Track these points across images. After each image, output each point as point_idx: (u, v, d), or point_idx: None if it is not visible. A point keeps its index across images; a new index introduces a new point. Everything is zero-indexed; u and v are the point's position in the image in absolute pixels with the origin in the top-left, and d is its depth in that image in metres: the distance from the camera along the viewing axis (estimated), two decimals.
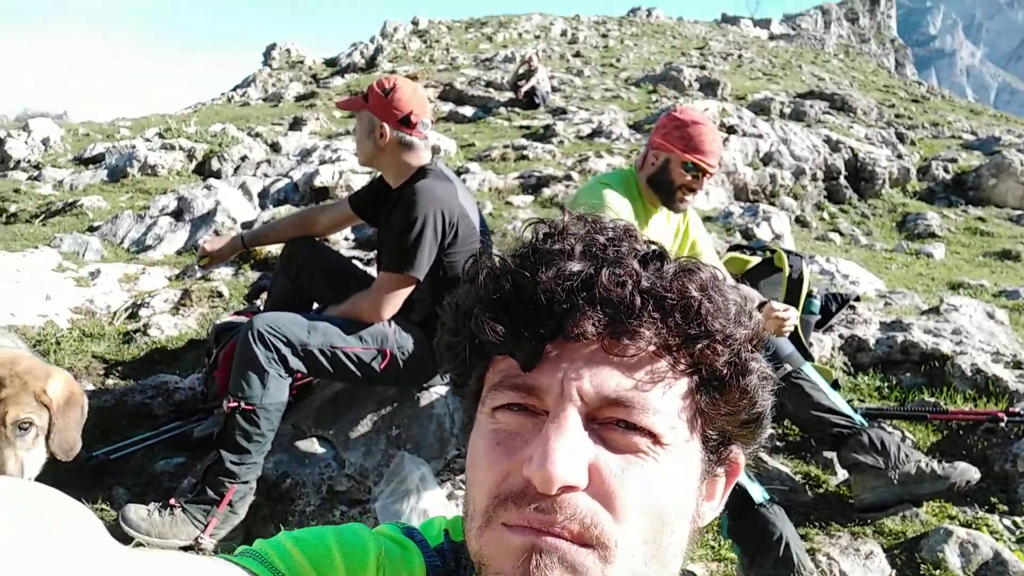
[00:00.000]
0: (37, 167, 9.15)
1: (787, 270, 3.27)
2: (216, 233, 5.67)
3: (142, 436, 3.01)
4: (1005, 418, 2.89)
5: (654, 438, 0.57)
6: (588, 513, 0.54)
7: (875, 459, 2.60)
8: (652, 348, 0.58)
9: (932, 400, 3.22)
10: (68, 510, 0.43)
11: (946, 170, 11.23)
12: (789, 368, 2.72)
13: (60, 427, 1.89)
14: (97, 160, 8.81)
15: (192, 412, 3.17)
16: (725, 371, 0.60)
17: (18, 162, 9.88)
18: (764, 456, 2.93)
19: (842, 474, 2.84)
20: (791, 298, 3.25)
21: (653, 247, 0.62)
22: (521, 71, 14.64)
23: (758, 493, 2.24)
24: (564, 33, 26.73)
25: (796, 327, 3.21)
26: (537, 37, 25.56)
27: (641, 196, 2.78)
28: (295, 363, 2.46)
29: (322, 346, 2.48)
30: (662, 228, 2.89)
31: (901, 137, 13.06)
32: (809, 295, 3.31)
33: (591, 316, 0.57)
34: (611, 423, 0.57)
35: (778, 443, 3.09)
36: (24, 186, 8.05)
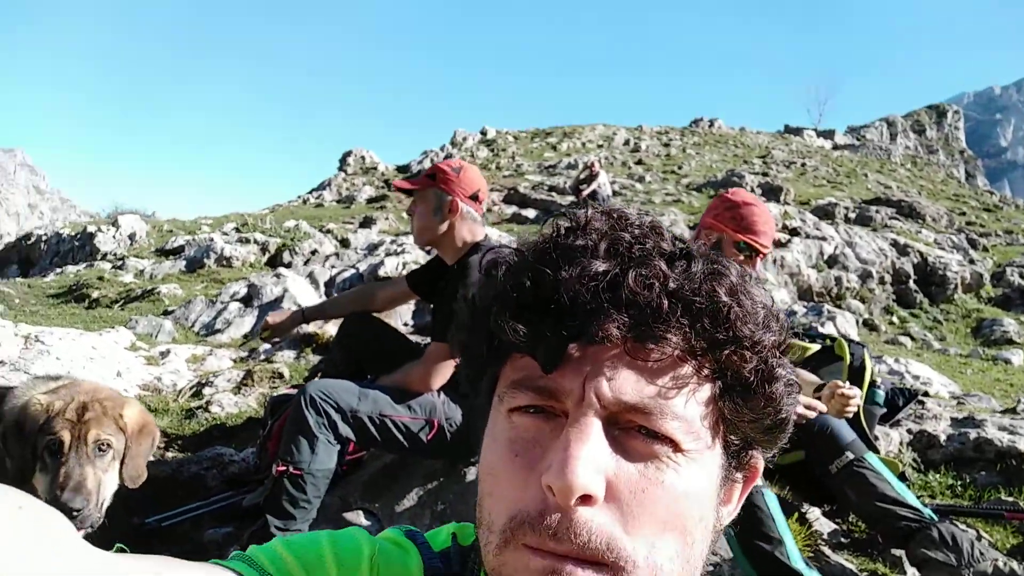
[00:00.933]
0: (121, 258, 9.69)
1: (848, 358, 3.18)
2: None
3: (194, 506, 3.04)
4: None
5: (675, 445, 0.56)
6: (604, 535, 0.53)
7: (947, 556, 2.43)
8: (677, 353, 0.56)
9: (1010, 500, 3.01)
10: (53, 513, 0.45)
11: (1022, 276, 10.87)
12: (851, 456, 2.60)
13: (133, 452, 2.01)
14: (177, 252, 9.30)
15: (244, 483, 3.20)
16: (751, 378, 0.58)
17: (105, 254, 10.50)
18: (827, 551, 2.76)
19: (911, 573, 2.65)
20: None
21: (680, 245, 0.61)
22: (583, 175, 15.04)
23: None
24: (627, 142, 27.44)
25: (860, 417, 3.10)
26: (600, 146, 26.28)
27: None
28: (345, 430, 2.48)
29: (371, 413, 2.50)
30: None
31: (973, 243, 12.78)
32: (872, 384, 3.19)
33: (616, 319, 0.55)
34: (632, 429, 0.56)
35: (843, 539, 2.92)
36: (108, 274, 8.52)
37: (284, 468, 2.43)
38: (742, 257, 2.70)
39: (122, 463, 1.99)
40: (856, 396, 2.49)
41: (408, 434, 2.56)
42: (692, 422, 0.57)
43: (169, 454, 3.76)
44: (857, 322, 8.74)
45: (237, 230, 9.92)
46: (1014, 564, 2.41)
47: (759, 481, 2.21)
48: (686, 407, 0.56)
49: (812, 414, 2.46)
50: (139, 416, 2.05)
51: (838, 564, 2.68)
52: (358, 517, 2.76)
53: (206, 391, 4.64)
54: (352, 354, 3.02)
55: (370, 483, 2.90)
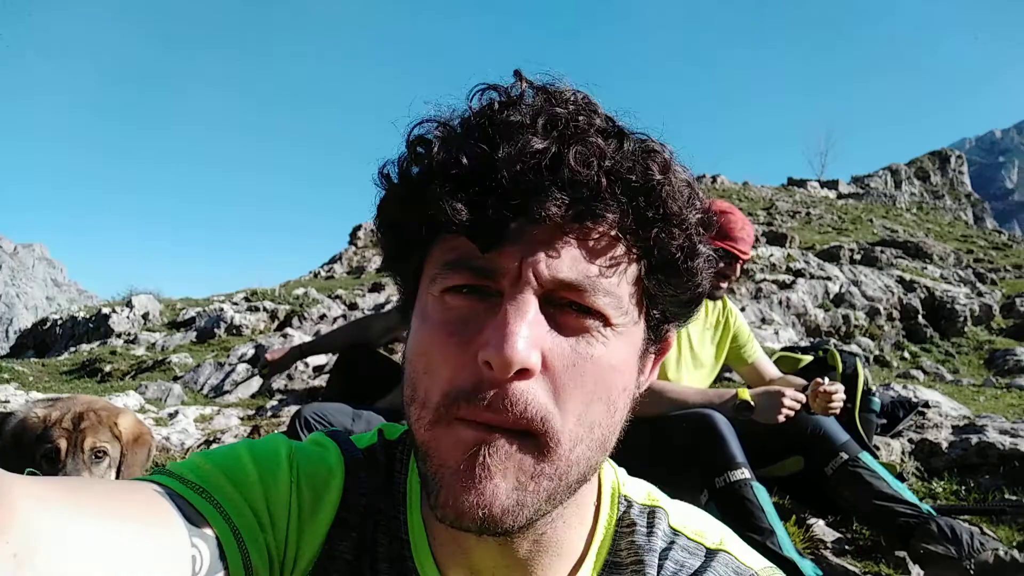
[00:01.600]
0: (134, 335, 9.84)
1: (840, 367, 3.20)
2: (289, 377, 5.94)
3: None
4: None
5: (605, 320, 0.58)
6: (539, 407, 0.55)
7: (947, 548, 2.41)
8: (612, 231, 0.57)
9: (1015, 498, 2.99)
10: None
11: None
12: (846, 456, 2.61)
13: (129, 461, 2.05)
14: (188, 323, 9.44)
15: None
16: (677, 255, 0.60)
17: (120, 334, 10.66)
18: (829, 555, 2.74)
19: (916, 572, 2.62)
20: (847, 395, 3.16)
21: (611, 122, 0.60)
22: None
23: (809, 568, 2.11)
24: None
25: (856, 424, 3.10)
26: None
27: None
28: None
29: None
30: (700, 318, 2.93)
31: (981, 277, 12.75)
32: (868, 392, 3.21)
33: (557, 198, 0.55)
34: (565, 305, 0.57)
35: (847, 546, 2.89)
36: (120, 349, 8.65)
37: None
38: (722, 264, 2.76)
39: (119, 472, 2.03)
40: (839, 391, 2.51)
41: None
42: (622, 298, 0.59)
43: None
44: (868, 359, 8.69)
45: (247, 299, 10.07)
46: (1015, 553, 2.38)
47: (747, 474, 2.23)
48: (617, 284, 0.58)
49: (797, 405, 2.48)
50: (134, 425, 2.10)
51: (840, 566, 2.66)
52: None
53: (213, 447, 4.68)
54: (350, 385, 3.08)
55: None
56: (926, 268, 12.58)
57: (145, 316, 11.49)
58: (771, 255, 11.38)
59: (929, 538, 2.44)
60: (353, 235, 25.67)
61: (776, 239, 15.78)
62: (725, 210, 2.79)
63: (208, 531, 0.57)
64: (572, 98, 0.60)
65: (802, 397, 2.50)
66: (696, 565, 0.70)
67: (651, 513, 0.74)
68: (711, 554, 0.71)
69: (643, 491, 0.77)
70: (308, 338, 6.72)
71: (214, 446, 4.69)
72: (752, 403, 2.49)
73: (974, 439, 3.43)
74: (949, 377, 8.50)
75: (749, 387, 2.77)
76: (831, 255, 13.18)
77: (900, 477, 3.03)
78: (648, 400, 2.53)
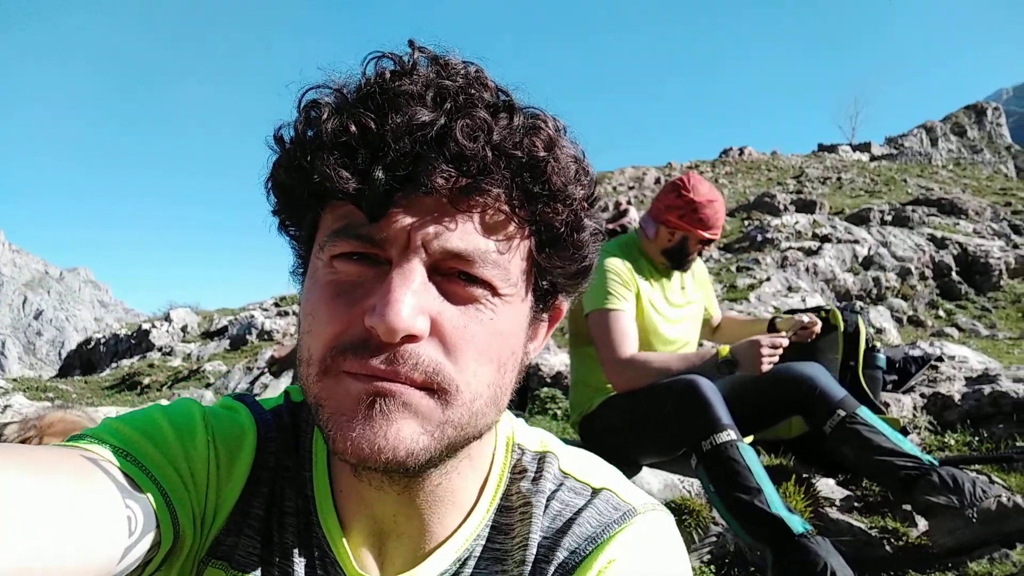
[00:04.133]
0: (171, 347, 10.10)
1: (842, 325, 3.18)
2: None
3: None
4: None
5: (493, 290, 0.60)
6: (431, 362, 0.57)
7: (949, 498, 2.39)
8: (498, 204, 0.59)
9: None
10: None
11: None
12: (843, 413, 2.59)
13: None
14: (221, 332, 9.66)
15: None
16: (562, 229, 0.62)
17: (160, 347, 10.94)
18: (832, 511, 2.73)
19: (924, 525, 2.60)
20: (849, 354, 3.14)
21: (502, 96, 0.62)
22: (612, 215, 15.15)
23: (797, 523, 2.11)
24: (658, 181, 27.51)
25: (860, 381, 3.08)
26: (631, 188, 26.41)
27: (644, 256, 2.87)
28: None
29: None
30: (675, 280, 2.95)
31: (1016, 229, 12.40)
32: (871, 349, 3.18)
33: (443, 170, 0.56)
34: (453, 274, 0.59)
35: (856, 503, 2.88)
36: (157, 361, 8.90)
37: None
38: (702, 246, 2.81)
39: None
40: (777, 345, 2.49)
41: None
42: (510, 270, 0.61)
43: None
44: (901, 320, 8.53)
45: (276, 304, 10.26)
46: (1018, 498, 2.35)
47: (733, 436, 2.25)
48: (504, 256, 0.60)
49: (778, 351, 2.48)
50: None
51: (844, 522, 2.66)
52: None
53: (125, 412, 4.81)
54: None
55: None
56: (958, 224, 12.28)
57: (184, 329, 11.78)
58: (796, 222, 11.21)
59: (931, 489, 2.42)
60: None
61: (805, 206, 15.53)
62: (711, 199, 2.78)
63: (139, 493, 0.59)
64: (464, 71, 0.61)
65: (783, 341, 2.50)
66: (580, 504, 0.73)
67: (541, 459, 0.77)
68: (595, 492, 0.74)
69: (536, 439, 0.80)
70: None
71: None
72: (733, 358, 2.50)
73: (987, 389, 3.37)
74: (985, 332, 8.30)
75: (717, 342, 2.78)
76: (860, 218, 12.93)
77: (904, 431, 3.00)
78: (635, 374, 2.55)
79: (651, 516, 0.73)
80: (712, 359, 2.54)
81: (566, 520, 0.72)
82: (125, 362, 10.10)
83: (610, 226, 14.42)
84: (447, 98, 0.58)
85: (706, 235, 2.74)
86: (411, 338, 0.56)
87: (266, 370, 3.15)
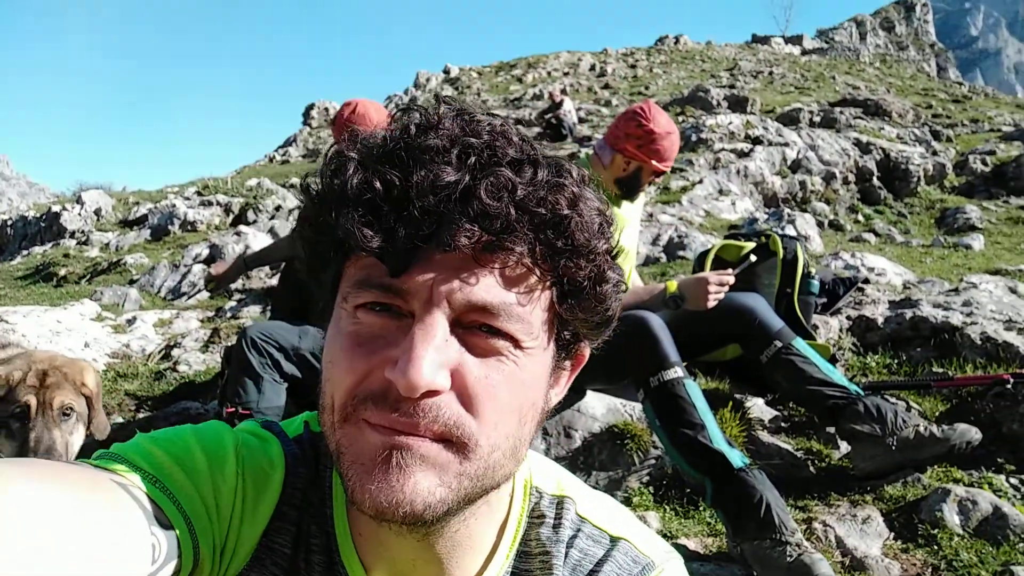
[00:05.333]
0: (86, 234, 9.63)
1: (781, 252, 3.27)
2: None
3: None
4: (1012, 380, 2.81)
5: (515, 342, 0.60)
6: (451, 415, 0.57)
7: (872, 427, 2.56)
8: (522, 260, 0.58)
9: (940, 371, 3.15)
10: None
11: (984, 163, 10.95)
12: (780, 344, 2.70)
13: (98, 409, 2.13)
14: (141, 221, 9.25)
15: None
16: (585, 282, 0.62)
17: (72, 232, 10.42)
18: (763, 435, 2.90)
19: (845, 447, 2.79)
20: (787, 279, 3.25)
21: (527, 149, 0.62)
22: (547, 106, 14.91)
23: (737, 458, 2.23)
24: (593, 68, 27.06)
25: (795, 307, 3.21)
26: (566, 74, 25.92)
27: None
28: (288, 367, 2.56)
29: (314, 349, 2.58)
30: (624, 210, 2.95)
31: (936, 135, 12.81)
32: (807, 276, 3.29)
33: (467, 229, 0.56)
34: (475, 327, 0.59)
35: (783, 424, 3.06)
36: (73, 251, 8.49)
37: (233, 410, 2.51)
38: (654, 177, 2.80)
39: (89, 423, 2.11)
40: (723, 282, 2.56)
41: None
42: (532, 323, 0.61)
43: (140, 415, 3.86)
44: (822, 224, 8.83)
45: (199, 193, 9.84)
46: (933, 428, 2.54)
47: (680, 372, 2.31)
48: (527, 310, 0.60)
49: (724, 288, 2.55)
50: (97, 379, 2.17)
51: (773, 445, 2.82)
52: None
53: (175, 352, 4.71)
54: (298, 298, 3.08)
55: None
56: (883, 129, 12.59)
57: (97, 212, 11.21)
58: (730, 123, 11.27)
59: (856, 418, 2.58)
60: (307, 115, 24.89)
61: (738, 103, 15.61)
62: (669, 131, 2.74)
63: (165, 521, 0.59)
64: (489, 126, 0.61)
65: (729, 279, 2.57)
66: (600, 554, 0.75)
67: (559, 504, 0.77)
68: (614, 542, 0.76)
69: (553, 481, 0.80)
70: (263, 235, 6.65)
71: (175, 351, 4.72)
72: (681, 294, 2.55)
73: (908, 313, 3.56)
74: (900, 238, 8.70)
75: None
76: (791, 119, 13.10)
77: (833, 359, 3.16)
78: None
79: (669, 568, 0.76)
80: (660, 294, 2.58)
81: (587, 573, 0.74)
82: (37, 249, 9.61)
83: (546, 117, 14.23)
84: (472, 155, 0.58)
85: (660, 167, 2.73)
86: (432, 392, 0.56)
87: (203, 286, 3.04)
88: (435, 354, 0.55)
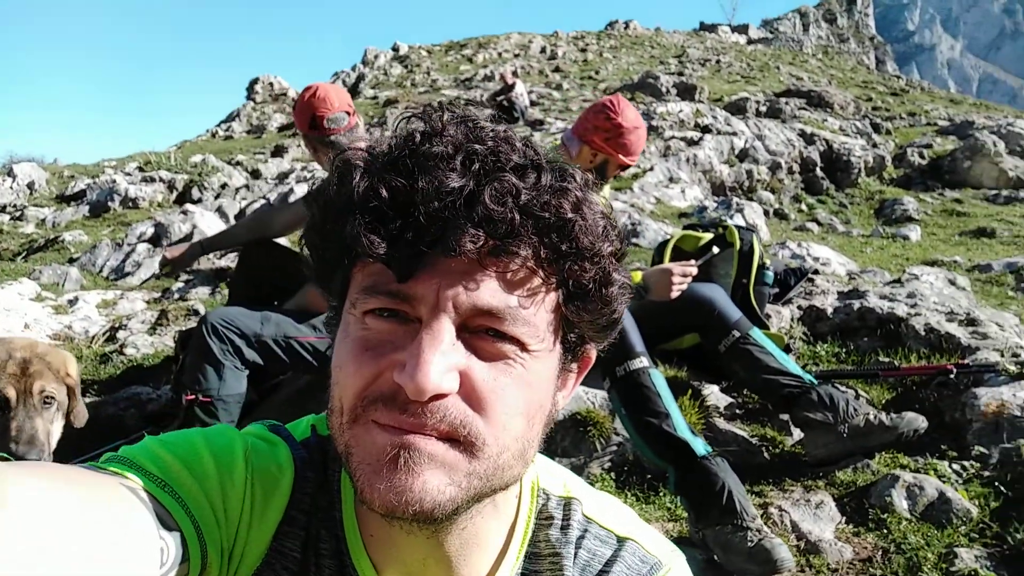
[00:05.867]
0: (20, 209, 9.24)
1: (738, 243, 3.34)
2: None
3: (114, 445, 3.06)
4: (955, 370, 2.95)
5: (522, 346, 0.60)
6: (458, 415, 0.58)
7: (825, 415, 2.65)
8: (527, 264, 0.59)
9: (886, 360, 3.28)
10: None
11: (921, 156, 11.34)
12: (738, 334, 2.78)
13: (78, 398, 2.13)
14: (79, 197, 8.91)
15: (164, 419, 3.22)
16: (591, 285, 0.63)
17: (3, 207, 9.97)
18: (720, 422, 2.98)
19: (798, 434, 2.89)
20: (743, 270, 3.33)
21: (531, 155, 0.62)
22: (499, 87, 14.85)
23: (700, 446, 2.29)
24: (543, 50, 27.00)
25: (750, 297, 3.29)
26: (517, 55, 25.81)
27: None
28: (251, 355, 2.52)
29: (276, 336, 2.54)
30: None
31: (876, 127, 13.20)
32: (762, 267, 3.37)
33: (471, 233, 0.56)
34: (481, 331, 0.59)
35: (737, 410, 3.15)
36: (7, 226, 8.13)
37: (193, 397, 2.46)
38: (619, 172, 2.84)
39: (69, 411, 2.10)
40: (686, 273, 2.63)
41: (316, 353, 2.61)
42: (538, 326, 0.61)
43: (86, 399, 3.74)
44: (768, 212, 9.04)
45: (141, 169, 9.53)
46: (883, 416, 2.65)
47: (645, 363, 2.35)
48: (533, 313, 0.60)
49: (687, 279, 2.61)
50: (78, 368, 2.17)
51: (730, 432, 2.90)
52: None
53: (120, 335, 4.57)
54: (255, 283, 3.02)
55: (285, 405, 2.95)
56: (827, 120, 12.92)
57: (31, 186, 10.75)
58: (680, 111, 11.42)
59: (810, 406, 2.68)
60: (250, 90, 24.23)
61: (686, 90, 15.78)
62: (637, 125, 2.78)
63: (173, 525, 0.59)
64: (492, 132, 0.62)
65: (692, 270, 2.63)
66: (608, 554, 0.77)
67: (566, 505, 0.79)
68: (621, 542, 0.78)
69: (559, 482, 0.81)
70: (210, 214, 6.48)
71: (121, 333, 4.59)
72: (645, 284, 2.60)
73: (856, 304, 3.69)
74: (841, 228, 8.97)
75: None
76: (738, 108, 13.33)
77: (787, 349, 3.26)
78: None
79: (676, 567, 0.78)
80: None
81: (596, 573, 0.75)
82: None
83: (498, 99, 14.16)
84: (476, 161, 0.59)
85: (627, 161, 2.76)
86: (440, 395, 0.57)
87: (158, 272, 2.93)
88: (442, 358, 0.56)
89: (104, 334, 4.64)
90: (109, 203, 8.17)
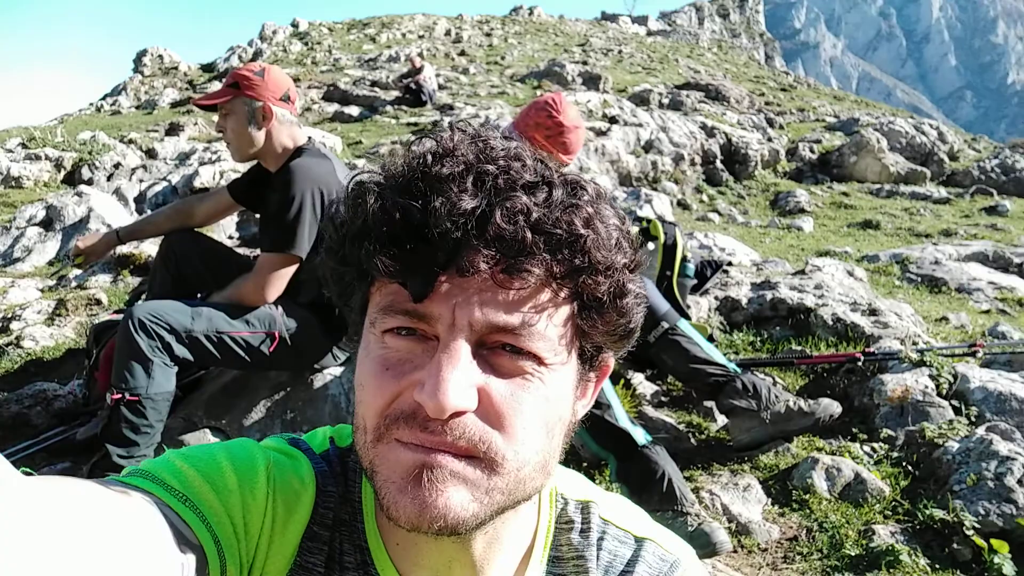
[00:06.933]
0: None
1: (662, 237, 3.45)
2: None
3: (23, 444, 2.87)
4: (862, 358, 3.16)
5: (539, 360, 0.61)
6: (477, 432, 0.58)
7: (748, 402, 2.79)
8: (539, 279, 0.60)
9: (799, 348, 3.48)
10: None
11: (812, 150, 11.99)
12: (666, 325, 2.88)
13: None
14: None
15: (74, 417, 3.04)
16: (605, 297, 0.63)
17: None
18: (649, 410, 3.08)
19: (721, 420, 3.03)
20: (667, 263, 3.44)
21: (542, 171, 0.63)
22: (407, 70, 14.64)
23: (640, 436, 2.37)
24: (448, 33, 26.79)
25: (674, 289, 3.41)
26: (421, 37, 25.49)
27: None
28: (180, 351, 2.41)
29: (207, 332, 2.44)
30: None
31: (771, 122, 13.83)
32: (684, 260, 3.50)
33: (484, 253, 0.57)
34: (498, 347, 0.60)
35: (663, 398, 3.26)
36: None
37: (120, 396, 2.34)
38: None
39: None
40: None
41: (249, 349, 2.53)
42: (554, 340, 0.62)
43: None
44: (672, 203, 9.34)
45: (24, 146, 8.86)
46: (801, 402, 2.81)
47: None
48: (548, 327, 0.61)
49: None
50: None
51: (659, 419, 3.01)
52: (205, 436, 2.73)
53: (14, 326, 4.27)
54: (178, 275, 2.89)
55: (213, 401, 2.85)
56: (725, 114, 13.43)
57: None
58: (588, 101, 11.60)
59: (735, 394, 2.81)
60: (138, 62, 22.92)
61: (591, 80, 16.06)
62: (577, 124, 2.81)
63: (193, 540, 0.59)
64: (502, 151, 0.63)
65: None
66: (628, 554, 0.79)
67: (584, 508, 0.81)
68: (639, 542, 0.80)
69: (575, 486, 0.83)
70: (107, 196, 6.12)
71: (15, 324, 4.29)
72: None
73: (768, 295, 3.88)
74: (740, 219, 9.38)
75: None
76: (642, 99, 13.68)
77: (711, 338, 3.40)
78: None
79: (692, 564, 0.82)
80: None
81: (619, 573, 0.78)
82: None
83: (405, 82, 13.97)
84: (487, 180, 0.60)
85: (565, 159, 2.80)
86: (459, 413, 0.58)
87: (70, 263, 2.71)
88: (460, 377, 0.57)
89: None
90: None
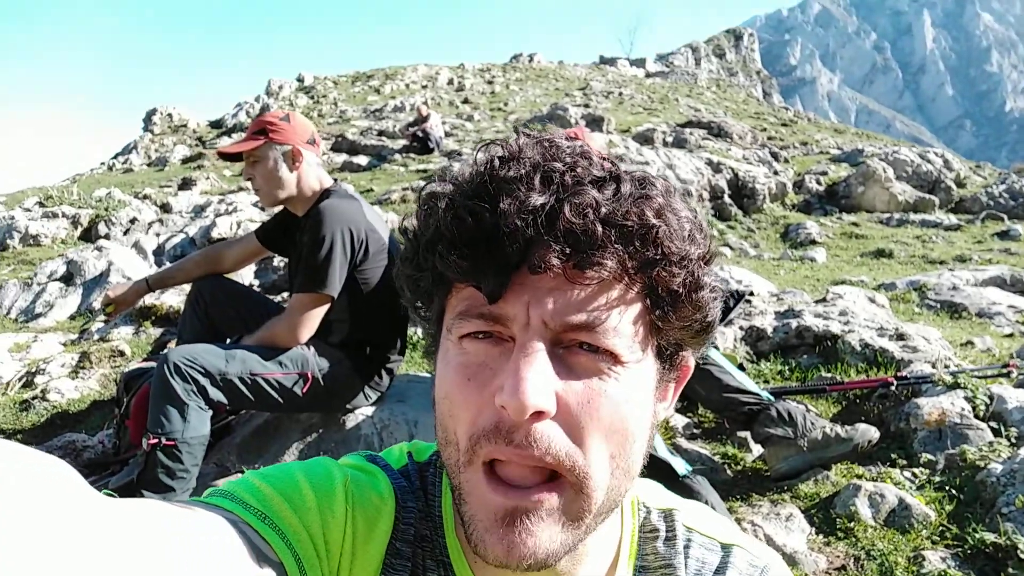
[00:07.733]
0: None
1: None
2: None
3: None
4: (895, 383, 3.13)
5: (615, 358, 0.60)
6: (563, 446, 0.58)
7: (785, 430, 2.76)
8: (613, 274, 0.59)
9: (829, 375, 3.45)
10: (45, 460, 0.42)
11: (819, 182, 12.05)
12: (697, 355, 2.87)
13: None
14: None
15: (105, 467, 3.03)
16: (680, 290, 0.62)
17: None
18: (683, 442, 3.05)
19: (757, 450, 2.99)
20: None
21: (609, 167, 0.63)
22: (413, 119, 14.86)
23: (680, 466, 2.34)
24: (451, 81, 27.25)
25: None
26: (424, 87, 25.94)
27: None
28: (215, 394, 2.41)
29: (242, 374, 2.45)
30: None
31: (775, 156, 13.94)
32: None
33: (555, 248, 0.57)
34: (575, 346, 0.60)
35: (695, 430, 3.23)
36: None
37: (156, 440, 2.33)
38: None
39: None
40: None
41: (282, 390, 2.53)
42: (628, 335, 0.61)
43: None
44: None
45: (41, 204, 9.00)
46: (838, 428, 2.78)
47: None
48: (623, 323, 0.60)
49: None
50: None
51: (694, 451, 2.98)
52: None
53: (39, 379, 4.29)
54: (208, 320, 2.91)
55: (245, 445, 2.84)
56: (730, 149, 13.55)
57: None
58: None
59: (770, 422, 2.78)
60: (148, 121, 23.36)
61: (594, 122, 16.23)
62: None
63: (273, 557, 0.59)
64: (568, 149, 0.63)
65: None
66: (716, 561, 0.77)
67: (667, 516, 0.79)
68: (726, 549, 0.78)
69: (655, 494, 0.82)
70: (126, 250, 6.19)
71: (39, 378, 4.30)
72: None
73: (794, 323, 3.87)
74: (752, 252, 9.40)
75: None
76: (646, 138, 13.82)
77: (741, 367, 3.38)
78: None
79: (780, 570, 0.80)
80: None
81: None
82: None
83: (412, 130, 14.18)
84: (554, 178, 0.60)
85: None
86: (539, 415, 0.57)
87: (101, 315, 2.73)
88: (538, 375, 0.57)
89: (20, 379, 4.34)
90: (8, 240, 7.68)
